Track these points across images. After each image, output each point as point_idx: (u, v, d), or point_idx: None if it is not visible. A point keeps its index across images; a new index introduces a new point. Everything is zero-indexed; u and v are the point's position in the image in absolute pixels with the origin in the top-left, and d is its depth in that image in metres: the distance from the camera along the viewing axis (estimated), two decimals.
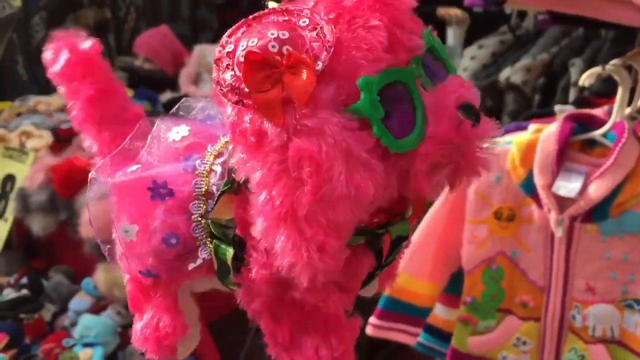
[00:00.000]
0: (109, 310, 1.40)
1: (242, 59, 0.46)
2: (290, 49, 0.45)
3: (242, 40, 0.47)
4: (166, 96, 2.05)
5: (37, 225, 1.50)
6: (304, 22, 0.47)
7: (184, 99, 0.67)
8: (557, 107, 1.12)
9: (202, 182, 0.58)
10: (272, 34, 0.46)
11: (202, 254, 0.58)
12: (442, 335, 1.20)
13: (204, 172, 0.58)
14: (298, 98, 0.44)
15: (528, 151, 1.04)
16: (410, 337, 1.18)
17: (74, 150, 1.55)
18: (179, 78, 2.25)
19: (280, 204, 0.45)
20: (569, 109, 1.10)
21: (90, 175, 0.59)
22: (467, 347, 1.13)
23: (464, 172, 0.50)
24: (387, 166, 0.47)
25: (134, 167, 0.59)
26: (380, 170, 0.46)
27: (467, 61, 1.39)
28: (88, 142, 0.69)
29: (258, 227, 0.47)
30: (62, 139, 1.63)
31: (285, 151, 0.45)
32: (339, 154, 0.44)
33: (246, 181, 0.48)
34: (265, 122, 0.46)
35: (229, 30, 0.49)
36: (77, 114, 0.68)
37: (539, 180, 1.02)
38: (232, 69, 0.47)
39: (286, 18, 0.47)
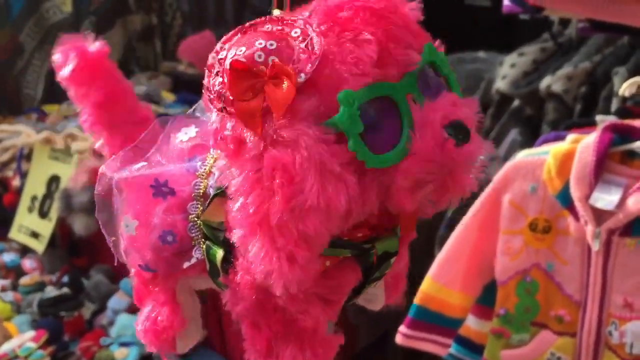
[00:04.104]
0: None
1: (228, 67, 0.47)
2: (276, 59, 0.46)
3: (232, 49, 0.48)
4: None
5: (80, 225, 1.53)
6: (296, 32, 0.47)
7: (201, 100, 0.68)
8: (599, 117, 1.09)
9: (201, 184, 0.59)
10: (260, 43, 0.47)
11: (196, 254, 0.59)
12: (474, 347, 1.18)
13: (204, 173, 0.59)
14: (276, 109, 0.45)
15: (565, 162, 1.02)
16: (441, 347, 1.16)
17: None
18: None
19: (253, 212, 0.46)
20: (611, 119, 1.07)
21: (100, 169, 0.61)
22: None
23: (449, 191, 0.49)
24: (365, 181, 0.47)
25: (140, 165, 0.61)
26: (353, 184, 0.46)
27: (507, 69, 1.36)
28: (99, 144, 0.71)
29: (235, 234, 0.48)
30: None
31: (262, 160, 0.46)
32: (312, 166, 0.45)
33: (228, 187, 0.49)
34: (245, 130, 0.47)
35: (225, 37, 0.50)
36: (87, 118, 0.70)
37: (575, 192, 1.00)
38: (222, 76, 0.47)
39: (280, 27, 0.48)
